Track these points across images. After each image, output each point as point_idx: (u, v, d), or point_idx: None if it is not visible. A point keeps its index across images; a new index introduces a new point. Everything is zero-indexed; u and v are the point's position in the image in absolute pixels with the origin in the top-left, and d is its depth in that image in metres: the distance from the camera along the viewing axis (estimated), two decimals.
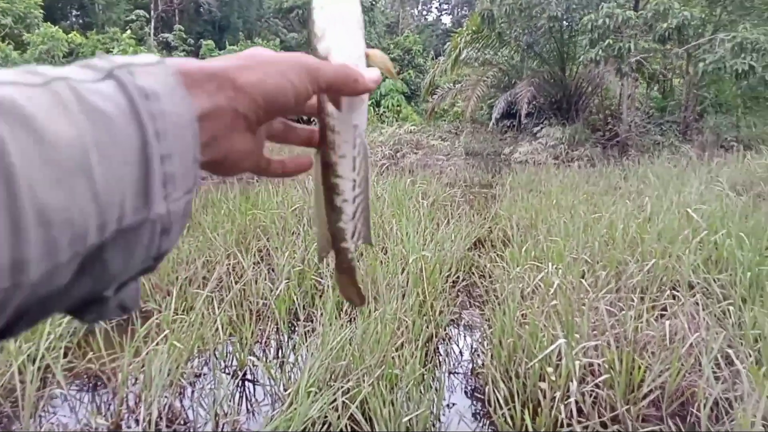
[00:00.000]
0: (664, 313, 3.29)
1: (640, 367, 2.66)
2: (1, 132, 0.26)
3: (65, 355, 3.03)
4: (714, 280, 3.67)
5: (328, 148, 0.49)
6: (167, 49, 29.68)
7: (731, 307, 3.22)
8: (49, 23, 19.79)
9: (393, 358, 2.86)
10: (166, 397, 2.75)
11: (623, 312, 3.10)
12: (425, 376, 2.91)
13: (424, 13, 59.30)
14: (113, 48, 18.13)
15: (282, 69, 0.43)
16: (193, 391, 2.97)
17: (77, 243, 0.29)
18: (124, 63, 0.34)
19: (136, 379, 2.91)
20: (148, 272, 0.37)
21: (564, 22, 14.95)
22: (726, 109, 16.94)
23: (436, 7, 60.02)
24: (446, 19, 56.28)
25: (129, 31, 18.51)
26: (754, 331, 2.91)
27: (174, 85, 0.35)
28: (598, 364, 2.76)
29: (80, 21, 38.12)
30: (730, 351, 2.73)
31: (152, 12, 35.37)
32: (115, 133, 0.31)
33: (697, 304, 3.25)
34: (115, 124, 0.31)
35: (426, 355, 3.20)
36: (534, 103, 16.11)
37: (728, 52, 11.40)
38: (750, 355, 2.76)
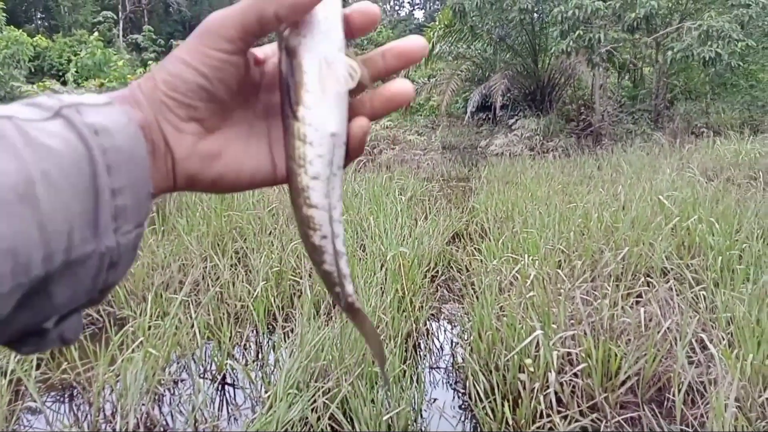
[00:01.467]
0: (639, 300, 3.34)
1: (616, 355, 2.70)
2: None
3: (38, 367, 2.97)
4: (687, 266, 3.74)
5: (297, 165, 0.39)
6: (137, 50, 29.20)
7: (704, 292, 3.28)
8: (12, 27, 19.30)
9: (373, 356, 2.85)
10: (143, 404, 2.71)
11: (599, 300, 3.14)
12: (406, 372, 2.91)
13: (397, 8, 59.28)
14: (81, 51, 17.76)
15: (186, 52, 0.39)
16: (171, 398, 2.93)
17: (20, 273, 0.28)
18: (72, 102, 0.34)
19: (113, 387, 2.86)
20: (93, 305, 0.37)
21: (535, 14, 15.05)
22: (695, 96, 17.28)
23: (408, 2, 60.05)
24: (419, 14, 56.33)
25: (96, 33, 18.14)
26: (726, 314, 2.97)
27: (126, 122, 0.35)
28: (576, 354, 2.79)
29: (45, 24, 37.33)
30: (703, 335, 2.78)
31: (120, 13, 34.76)
32: (63, 167, 0.31)
33: (671, 289, 3.30)
34: (63, 158, 0.31)
35: (406, 351, 3.20)
36: (508, 95, 16.21)
37: (695, 40, 11.60)
38: (723, 339, 2.81)
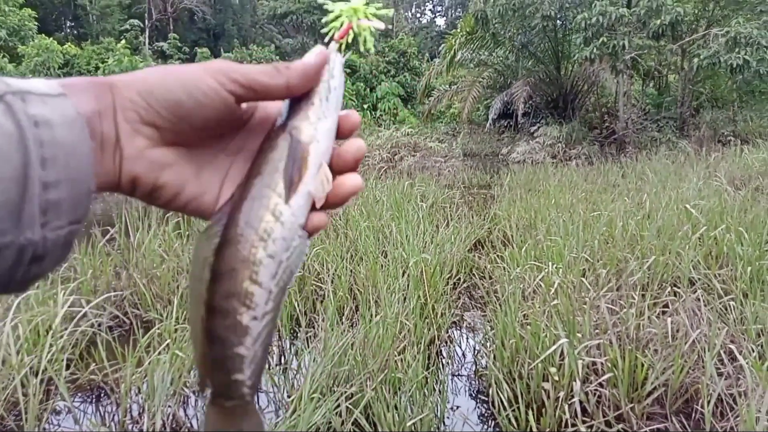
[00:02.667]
0: (665, 310, 3.29)
1: (642, 365, 2.66)
2: None
3: (68, 367, 3.03)
4: (714, 276, 3.67)
5: (257, 237, 0.38)
6: (162, 57, 29.73)
7: (732, 303, 3.22)
8: (43, 35, 19.81)
9: (395, 361, 2.86)
10: (169, 406, 2.75)
11: (624, 310, 3.10)
12: (428, 379, 2.90)
13: (418, 15, 59.46)
14: (108, 58, 18.15)
15: (187, 70, 0.40)
16: (196, 400, 2.97)
17: None
18: (19, 89, 0.33)
19: (139, 389, 2.91)
20: (15, 292, 0.36)
21: (558, 20, 14.98)
22: (722, 103, 16.99)
23: (430, 9, 60.19)
24: (440, 21, 56.40)
25: (124, 41, 18.54)
26: (756, 325, 2.92)
27: (73, 116, 0.34)
28: (601, 363, 2.76)
29: (75, 32, 38.24)
30: (732, 346, 2.73)
31: (146, 21, 35.43)
32: None
33: (698, 300, 3.25)
34: None
35: (428, 358, 3.20)
36: (530, 102, 16.13)
37: (722, 47, 11.43)
38: (753, 351, 2.75)
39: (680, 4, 12.54)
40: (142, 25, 33.67)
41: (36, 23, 21.44)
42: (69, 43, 24.69)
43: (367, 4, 0.47)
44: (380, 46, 32.22)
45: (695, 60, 12.11)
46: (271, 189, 0.39)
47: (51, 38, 18.49)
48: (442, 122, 22.17)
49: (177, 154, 0.40)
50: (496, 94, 17.22)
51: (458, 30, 17.57)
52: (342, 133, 0.44)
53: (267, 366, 3.27)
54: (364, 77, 27.35)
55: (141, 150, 0.38)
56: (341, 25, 0.46)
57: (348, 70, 27.21)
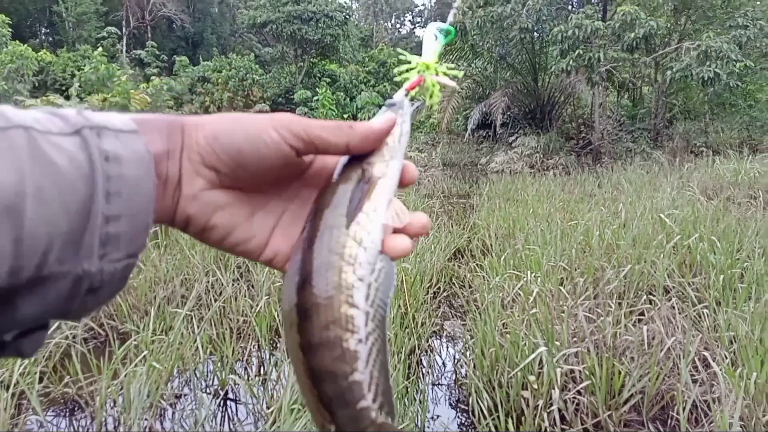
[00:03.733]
0: (641, 318, 3.34)
1: (620, 373, 2.70)
2: None
3: (41, 380, 2.96)
4: (688, 284, 3.74)
5: (345, 263, 0.39)
6: (140, 65, 29.43)
7: (706, 310, 3.29)
8: (17, 41, 19.46)
9: None
10: (146, 419, 2.70)
11: (602, 318, 3.15)
12: (409, 389, 2.90)
13: (398, 26, 59.88)
14: (84, 65, 17.89)
15: (254, 120, 0.41)
16: (174, 413, 2.92)
17: None
18: (96, 124, 0.35)
19: (115, 402, 2.85)
20: (70, 320, 0.36)
21: (535, 33, 15.21)
22: (694, 115, 17.40)
23: (410, 20, 60.68)
24: (419, 32, 56.82)
25: (101, 49, 18.28)
26: (729, 333, 2.98)
27: (142, 153, 0.36)
28: (579, 371, 2.79)
29: (50, 39, 37.69)
30: (706, 354, 2.78)
31: (124, 29, 35.10)
32: (60, 185, 0.31)
33: (673, 308, 3.31)
34: (62, 176, 0.31)
35: (409, 367, 3.20)
36: (508, 113, 16.32)
37: (694, 60, 11.72)
38: (726, 357, 2.81)
39: (653, 18, 12.85)
40: (119, 33, 33.34)
41: (10, 29, 21.05)
42: (44, 50, 24.32)
43: (439, 62, 0.49)
44: (360, 56, 32.35)
45: (668, 72, 12.40)
46: (348, 218, 0.40)
47: (25, 45, 18.18)
48: (421, 132, 22.31)
49: (232, 197, 0.41)
50: (475, 105, 17.39)
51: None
52: (401, 182, 0.45)
53: (246, 377, 3.24)
54: (344, 87, 27.42)
55: (198, 191, 0.40)
56: (413, 77, 0.49)
57: (328, 80, 27.26)
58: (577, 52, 12.51)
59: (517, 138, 15.71)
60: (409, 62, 0.49)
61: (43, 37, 38.48)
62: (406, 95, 0.48)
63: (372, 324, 0.38)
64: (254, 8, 29.95)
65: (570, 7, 16.30)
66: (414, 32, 57.35)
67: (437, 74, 0.49)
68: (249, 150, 0.39)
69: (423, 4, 60.52)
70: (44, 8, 36.11)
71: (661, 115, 15.59)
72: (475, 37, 15.71)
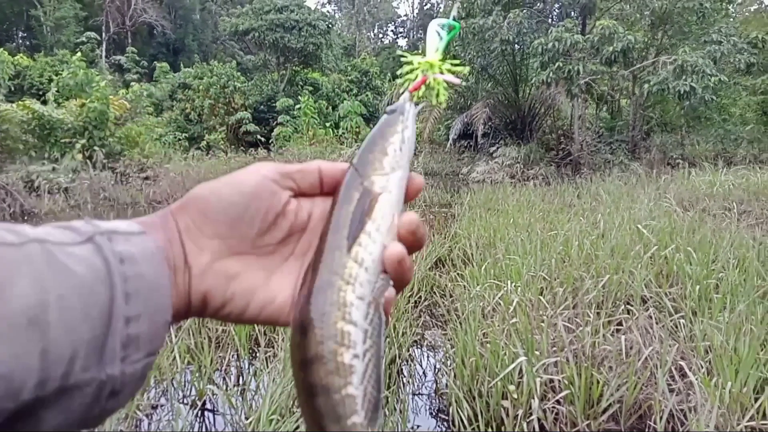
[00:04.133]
0: (619, 327, 3.38)
1: (598, 382, 2.72)
2: None
3: None
4: (665, 294, 3.80)
5: (344, 282, 0.39)
6: (119, 71, 29.14)
7: (682, 320, 3.33)
8: None
9: None
10: (121, 430, 2.65)
11: (581, 328, 3.17)
12: (389, 399, 2.89)
13: (380, 36, 60.22)
14: (63, 70, 17.65)
15: (233, 174, 0.41)
16: (150, 423, 2.87)
17: (8, 399, 0.28)
18: (106, 230, 0.36)
19: None
20: (88, 428, 0.35)
21: (516, 45, 15.43)
22: (671, 128, 17.76)
23: (392, 30, 61.06)
24: (402, 42, 57.24)
25: (79, 54, 18.06)
26: (704, 342, 3.02)
27: (153, 250, 0.36)
28: (558, 381, 2.80)
29: (27, 43, 37.16)
30: (683, 363, 2.82)
31: (104, 34, 34.74)
32: (81, 292, 0.31)
33: (651, 317, 3.35)
34: (83, 284, 0.32)
35: (390, 377, 3.19)
36: (489, 123, 16.49)
37: (670, 74, 11.99)
38: (702, 367, 2.85)
39: (631, 32, 13.12)
40: (99, 38, 32.98)
41: None
42: (21, 54, 23.95)
43: (443, 59, 0.47)
44: (342, 65, 32.42)
45: (645, 86, 12.66)
46: (349, 240, 0.39)
47: (1, 49, 17.88)
48: None
49: (244, 262, 0.41)
50: (457, 115, 17.54)
51: (420, 51, 17.84)
52: (407, 193, 0.43)
53: (224, 387, 3.19)
54: (326, 95, 27.43)
55: (208, 264, 0.39)
56: (416, 78, 0.47)
57: (310, 88, 27.24)
58: (557, 64, 12.71)
59: (498, 148, 15.88)
60: (411, 62, 0.48)
61: (20, 41, 37.92)
62: (411, 98, 0.46)
63: (369, 342, 0.38)
64: (236, 16, 29.90)
65: (550, 20, 16.58)
66: (397, 42, 57.69)
67: (442, 72, 0.47)
68: (239, 199, 0.39)
69: (405, 15, 61.00)
70: (21, 12, 35.59)
71: (639, 127, 15.87)
72: (456, 48, 15.87)
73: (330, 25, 29.87)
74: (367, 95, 27.95)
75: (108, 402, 0.34)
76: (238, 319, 0.41)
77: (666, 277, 4.19)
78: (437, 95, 0.47)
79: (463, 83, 17.72)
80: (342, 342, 0.37)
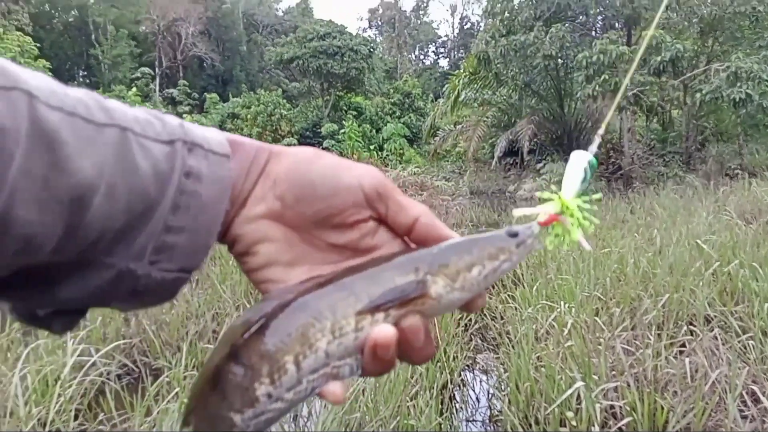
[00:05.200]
0: (682, 349, 3.22)
1: (662, 408, 2.59)
2: (22, 148, 0.28)
3: (75, 418, 2.98)
4: (731, 313, 3.60)
5: (329, 328, 0.36)
6: (172, 104, 30.39)
7: (752, 341, 3.15)
8: None
9: (408, 407, 2.80)
10: None
11: (641, 350, 3.04)
12: (442, 426, 2.84)
13: (422, 57, 60.76)
14: None
15: (338, 160, 0.40)
16: None
17: (24, 254, 0.30)
18: (191, 139, 0.36)
19: None
20: (117, 310, 0.38)
21: (559, 59, 15.25)
22: (727, 137, 17.06)
23: (433, 51, 61.55)
24: (443, 62, 57.58)
25: (134, 89, 18.98)
26: None
27: (224, 177, 0.37)
28: (620, 407, 2.69)
29: (87, 81, 39.33)
30: (755, 387, 2.65)
31: (157, 69, 36.39)
32: (132, 186, 0.33)
33: (716, 338, 3.18)
34: (138, 178, 0.33)
35: (442, 403, 3.13)
36: (535, 140, 16.30)
37: (724, 82, 11.56)
38: None
39: (680, 41, 12.76)
40: (152, 73, 34.59)
41: (50, 73, 22.05)
42: None
43: (583, 199, 0.43)
44: (385, 88, 32.80)
45: (698, 95, 12.25)
46: (367, 304, 0.36)
47: None
48: (448, 161, 22.36)
49: (287, 235, 0.40)
50: (501, 133, 17.42)
51: (461, 70, 17.93)
52: (462, 306, 0.41)
53: None
54: (369, 119, 27.78)
55: (257, 216, 0.40)
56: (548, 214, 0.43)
57: (354, 112, 27.65)
58: (602, 77, 12.47)
59: (545, 164, 15.64)
60: (548, 196, 0.43)
61: (81, 80, 40.16)
62: (537, 232, 0.41)
63: (291, 395, 0.35)
64: (281, 45, 30.83)
65: (594, 33, 16.34)
66: (438, 62, 58.04)
67: (573, 216, 0.42)
68: (323, 186, 0.39)
69: (446, 35, 61.41)
70: (82, 52, 37.77)
71: (693, 137, 15.34)
72: (498, 65, 15.81)
73: (371, 50, 30.40)
74: (410, 117, 28.16)
75: (129, 297, 0.35)
76: (247, 274, 0.41)
77: (731, 294, 3.98)
78: (555, 239, 0.43)
79: (506, 101, 17.63)
80: (272, 373, 0.34)
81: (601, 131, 0.47)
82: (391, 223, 0.41)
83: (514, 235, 0.40)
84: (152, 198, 0.34)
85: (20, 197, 0.28)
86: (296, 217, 0.39)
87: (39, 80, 0.31)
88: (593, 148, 0.44)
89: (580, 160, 0.44)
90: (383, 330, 0.36)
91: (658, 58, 12.21)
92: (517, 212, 0.42)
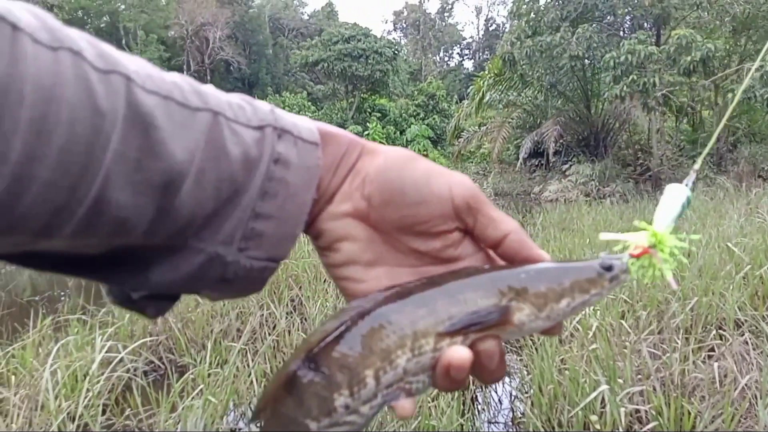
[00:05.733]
0: (711, 354, 3.15)
1: (689, 413, 2.53)
2: (118, 131, 0.29)
3: (103, 412, 3.05)
4: (762, 318, 3.51)
5: (411, 345, 0.35)
6: None
7: None
8: None
9: (429, 408, 2.79)
10: None
11: (667, 354, 2.98)
12: (464, 426, 2.82)
13: (446, 58, 60.57)
14: None
15: (430, 166, 0.39)
16: None
17: (116, 235, 0.31)
18: (281, 126, 0.37)
19: None
20: (206, 298, 0.38)
21: (586, 60, 15.04)
22: (760, 138, 16.62)
23: (458, 53, 61.30)
24: (468, 64, 57.31)
25: None
26: None
27: (313, 165, 0.37)
28: (645, 411, 2.64)
29: None
30: None
31: (185, 72, 36.96)
32: (222, 171, 0.33)
33: (746, 343, 3.10)
34: (228, 164, 0.33)
35: (463, 404, 3.11)
36: (561, 141, 16.09)
37: (757, 82, 11.26)
38: None
39: (711, 40, 12.47)
40: None
41: None
42: None
43: (678, 236, 0.40)
44: (409, 90, 32.78)
45: (729, 95, 11.95)
46: (447, 325, 0.36)
47: None
48: (472, 162, 22.25)
49: (370, 235, 0.39)
50: (526, 134, 17.25)
51: (486, 72, 17.81)
52: (545, 331, 0.40)
53: None
54: (393, 121, 27.80)
55: (342, 213, 0.39)
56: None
57: (378, 114, 27.70)
58: (630, 77, 12.26)
59: (570, 166, 15.45)
60: (643, 227, 0.41)
61: None
62: (628, 266, 0.40)
63: (367, 408, 0.35)
64: (306, 48, 31.06)
65: (621, 33, 16.09)
66: (462, 64, 57.79)
67: (662, 252, 0.39)
68: (413, 192, 0.38)
69: (471, 37, 61.14)
70: None
71: (724, 138, 14.97)
72: (524, 66, 15.67)
73: (396, 52, 30.41)
74: (434, 118, 28.09)
75: (219, 285, 0.36)
76: (327, 267, 0.41)
77: (762, 299, 3.87)
78: (643, 270, 0.40)
79: (532, 101, 17.46)
80: (352, 386, 0.34)
81: (696, 166, 0.46)
82: (479, 235, 0.39)
83: (609, 268, 0.39)
84: (240, 183, 0.34)
85: (115, 180, 0.29)
86: (381, 220, 0.39)
87: (137, 64, 0.32)
88: (690, 181, 0.43)
89: (677, 194, 0.43)
90: (459, 353, 0.35)
91: (689, 58, 11.96)
92: (605, 236, 0.41)
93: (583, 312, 3.59)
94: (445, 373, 0.35)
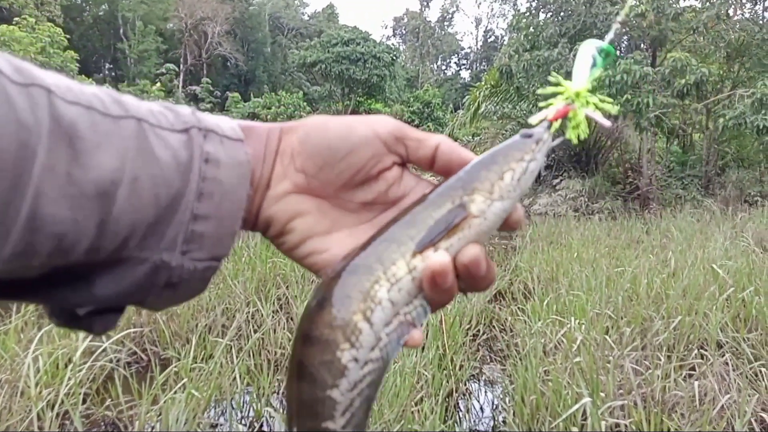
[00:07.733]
0: (692, 372, 3.19)
1: (669, 429, 2.56)
2: (44, 144, 0.28)
3: (84, 402, 3.02)
4: (743, 339, 3.56)
5: (384, 277, 0.36)
6: (195, 100, 30.72)
7: (764, 368, 3.11)
8: (83, 75, 20.66)
9: (412, 412, 2.80)
10: None
11: (650, 371, 3.02)
12: None
13: (443, 67, 60.84)
14: (143, 99, 18.88)
15: (348, 118, 0.40)
16: None
17: (57, 254, 0.30)
18: (205, 126, 0.37)
19: (153, 427, 2.88)
20: (150, 310, 0.38)
21: None
22: (748, 164, 16.85)
23: (455, 62, 61.61)
24: (465, 74, 57.60)
25: (159, 84, 19.22)
26: None
27: (242, 161, 0.37)
28: (625, 425, 2.67)
29: (113, 74, 39.94)
30: (764, 415, 2.62)
31: (182, 66, 36.81)
32: (156, 177, 0.33)
33: (727, 364, 3.15)
34: (160, 169, 0.33)
35: (446, 410, 3.12)
36: (553, 155, 16.19)
37: (748, 108, 11.43)
38: None
39: (705, 64, 12.65)
40: (177, 69, 34.99)
41: (77, 65, 22.40)
42: (106, 84, 25.72)
43: (593, 91, 0.42)
44: (405, 97, 32.87)
45: (720, 120, 12.12)
46: (416, 245, 0.36)
47: (90, 79, 19.28)
48: None
49: (317, 205, 0.40)
50: None
51: (483, 83, 17.89)
52: (504, 225, 0.40)
53: (281, 410, 3.22)
54: None
55: (284, 193, 0.40)
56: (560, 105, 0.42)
57: None
58: (625, 96, 12.38)
59: (561, 181, 15.55)
60: (558, 85, 0.42)
61: (107, 72, 40.78)
62: (548, 126, 0.41)
63: (377, 353, 0.35)
64: (305, 48, 31.06)
65: (618, 52, 16.26)
66: (459, 74, 58.05)
67: (588, 105, 0.42)
68: (339, 146, 0.39)
69: (469, 47, 61.49)
70: (109, 45, 38.35)
71: (713, 162, 15.17)
72: (521, 79, 15.76)
73: (394, 58, 30.50)
74: (428, 126, 28.17)
75: (165, 291, 0.35)
76: (288, 253, 0.41)
77: (744, 321, 3.93)
78: (576, 128, 0.42)
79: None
80: (348, 337, 0.34)
81: (620, 18, 0.49)
82: (413, 160, 0.41)
83: (529, 135, 0.40)
84: (177, 187, 0.34)
85: (47, 194, 0.28)
86: (322, 185, 0.40)
87: (55, 77, 0.32)
88: (610, 35, 0.43)
89: (589, 48, 0.43)
90: (436, 258, 0.36)
91: (683, 81, 12.11)
92: (533, 119, 0.42)
93: (568, 325, 3.62)
94: (431, 284, 0.36)
